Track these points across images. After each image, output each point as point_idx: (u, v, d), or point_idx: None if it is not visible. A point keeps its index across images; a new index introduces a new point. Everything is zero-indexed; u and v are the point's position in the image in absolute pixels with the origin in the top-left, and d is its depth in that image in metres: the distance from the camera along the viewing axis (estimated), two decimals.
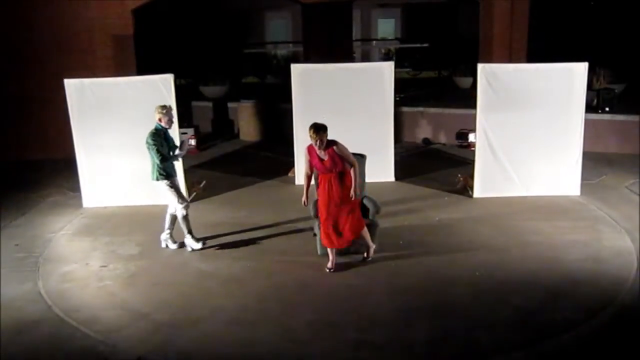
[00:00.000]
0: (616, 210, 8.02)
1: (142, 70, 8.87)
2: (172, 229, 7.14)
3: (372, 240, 6.62)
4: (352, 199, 6.23)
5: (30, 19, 11.10)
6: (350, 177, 6.20)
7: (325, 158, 6.13)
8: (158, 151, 6.70)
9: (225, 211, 8.46)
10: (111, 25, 11.52)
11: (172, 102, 8.49)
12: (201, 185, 9.50)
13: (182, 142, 7.09)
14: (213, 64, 16.23)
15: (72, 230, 7.83)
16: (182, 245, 7.12)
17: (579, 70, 8.37)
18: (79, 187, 8.73)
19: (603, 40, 15.94)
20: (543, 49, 13.65)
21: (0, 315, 5.54)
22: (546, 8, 15.23)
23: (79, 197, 8.73)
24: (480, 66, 8.55)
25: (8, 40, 11.09)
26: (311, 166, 6.29)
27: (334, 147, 6.10)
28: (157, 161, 6.72)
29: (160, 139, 6.77)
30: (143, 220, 8.01)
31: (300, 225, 7.60)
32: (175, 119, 8.53)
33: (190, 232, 7.06)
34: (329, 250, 6.41)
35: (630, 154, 10.62)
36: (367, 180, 7.18)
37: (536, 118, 8.43)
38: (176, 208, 6.95)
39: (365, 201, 6.89)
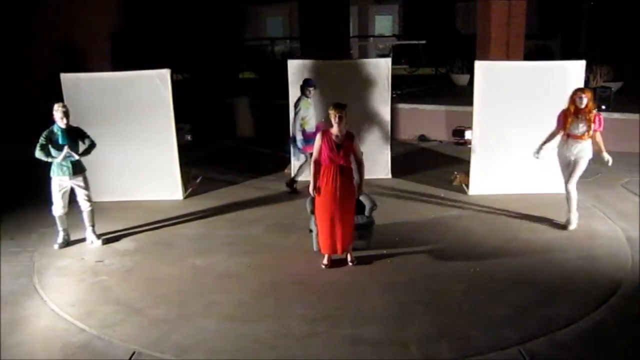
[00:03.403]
0: (611, 208, 8.05)
1: (139, 65, 8.84)
2: (93, 224, 7.20)
3: (369, 237, 6.67)
4: (355, 195, 6.26)
5: (27, 14, 11.05)
6: (352, 172, 6.25)
7: (339, 141, 6.11)
8: (40, 145, 6.74)
9: (221, 207, 8.45)
10: (108, 19, 11.48)
11: (169, 98, 8.50)
12: (197, 181, 9.50)
13: (65, 148, 6.82)
14: (210, 58, 16.18)
15: (68, 226, 7.81)
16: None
17: (576, 69, 8.39)
18: None
19: (598, 38, 15.99)
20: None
21: (0, 313, 5.54)
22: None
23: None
24: (477, 63, 8.55)
25: (4, 36, 11.06)
26: (320, 152, 6.20)
27: (354, 137, 6.19)
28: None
29: (50, 138, 6.78)
30: (139, 215, 8.01)
31: (296, 221, 7.59)
32: (171, 114, 8.57)
33: (64, 229, 7.18)
34: None
35: (626, 152, 10.65)
36: (365, 177, 7.17)
37: (532, 116, 8.41)
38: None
39: (361, 198, 6.89)
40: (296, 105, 8.79)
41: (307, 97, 8.73)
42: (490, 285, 5.97)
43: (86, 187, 7.09)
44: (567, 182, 7.26)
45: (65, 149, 6.79)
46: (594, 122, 6.97)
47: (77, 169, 6.98)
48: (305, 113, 8.74)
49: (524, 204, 8.23)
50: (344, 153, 6.15)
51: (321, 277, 6.24)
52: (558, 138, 7.33)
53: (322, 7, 14.94)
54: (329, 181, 6.16)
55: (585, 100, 6.92)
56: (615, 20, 16.39)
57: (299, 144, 8.78)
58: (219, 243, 7.20)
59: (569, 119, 7.04)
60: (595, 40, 17.14)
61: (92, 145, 7.10)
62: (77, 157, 6.90)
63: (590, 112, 6.97)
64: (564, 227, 7.33)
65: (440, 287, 5.98)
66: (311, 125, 8.82)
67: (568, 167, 7.23)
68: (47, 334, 5.24)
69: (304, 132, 8.75)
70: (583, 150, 7.08)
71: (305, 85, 8.74)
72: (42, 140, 6.78)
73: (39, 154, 6.77)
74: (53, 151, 6.80)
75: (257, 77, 18.13)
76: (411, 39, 23.28)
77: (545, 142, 7.37)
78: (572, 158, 7.14)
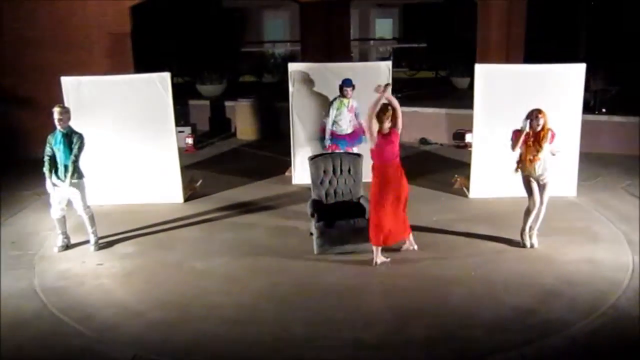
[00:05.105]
0: (612, 211, 8.04)
1: (139, 68, 8.85)
2: (92, 229, 7.15)
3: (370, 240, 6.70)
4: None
5: (28, 16, 11.04)
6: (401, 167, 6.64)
7: (389, 137, 6.44)
8: (46, 158, 6.82)
9: (222, 210, 8.45)
10: (108, 23, 11.46)
11: (169, 101, 8.51)
12: (198, 184, 9.49)
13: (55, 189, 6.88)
14: (210, 62, 16.22)
15: (69, 228, 7.80)
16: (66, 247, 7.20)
17: (577, 71, 8.39)
18: None
19: (600, 41, 15.97)
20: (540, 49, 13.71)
21: (0, 315, 5.53)
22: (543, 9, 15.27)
23: None
24: (477, 66, 8.55)
25: (4, 37, 11.05)
26: (379, 149, 6.43)
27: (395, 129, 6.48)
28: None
29: (50, 143, 6.82)
30: (139, 219, 8.00)
31: (297, 224, 7.59)
32: (172, 117, 8.58)
33: (63, 232, 7.18)
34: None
35: (626, 154, 10.66)
36: (364, 180, 7.18)
37: None
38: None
39: (362, 201, 6.90)
40: (331, 103, 8.78)
41: (345, 96, 8.64)
42: (490, 288, 5.96)
43: (80, 195, 6.95)
44: (540, 202, 6.82)
45: (54, 189, 6.84)
46: (550, 140, 6.63)
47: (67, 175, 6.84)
48: (336, 113, 8.71)
49: (524, 207, 8.18)
50: (394, 140, 6.48)
51: (322, 281, 6.23)
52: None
53: (323, 11, 14.96)
54: (387, 180, 6.41)
55: (542, 122, 6.54)
56: (614, 24, 16.38)
57: (326, 142, 8.81)
58: (220, 246, 7.20)
59: (528, 143, 6.64)
60: (594, 43, 17.12)
61: (74, 161, 6.81)
62: (65, 185, 6.81)
63: (544, 137, 6.58)
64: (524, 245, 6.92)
65: (441, 290, 5.97)
66: (342, 127, 8.78)
67: (536, 189, 6.81)
68: (47, 338, 5.23)
69: (333, 131, 8.75)
70: (547, 169, 6.72)
71: (343, 85, 8.66)
72: (47, 150, 6.78)
73: (45, 167, 6.82)
74: (50, 172, 6.83)
75: (258, 80, 18.19)
76: (412, 42, 23.34)
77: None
78: (538, 182, 6.79)
